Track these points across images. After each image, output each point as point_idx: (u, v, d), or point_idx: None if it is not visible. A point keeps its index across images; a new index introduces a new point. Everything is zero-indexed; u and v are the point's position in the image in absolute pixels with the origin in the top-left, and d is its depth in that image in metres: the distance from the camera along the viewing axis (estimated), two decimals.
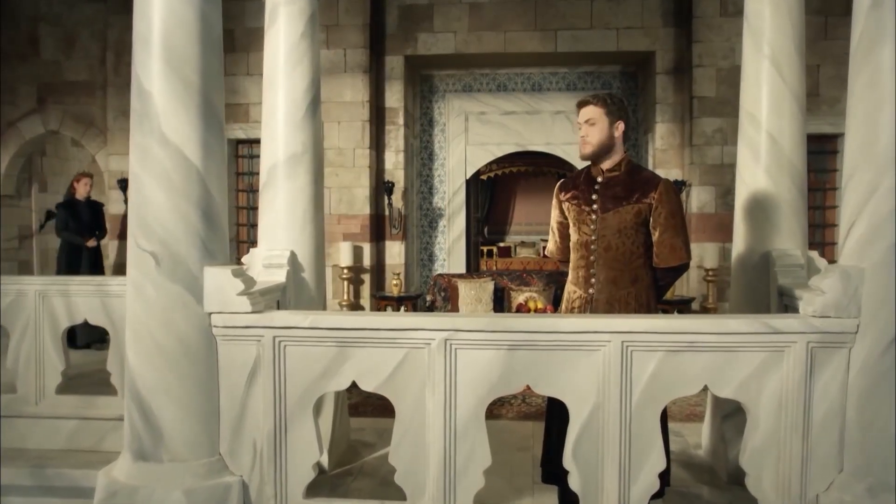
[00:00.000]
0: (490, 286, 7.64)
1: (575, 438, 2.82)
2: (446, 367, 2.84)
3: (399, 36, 8.60)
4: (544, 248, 11.22)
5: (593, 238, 3.19)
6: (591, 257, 3.20)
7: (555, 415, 3.13)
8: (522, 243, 14.89)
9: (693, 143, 8.03)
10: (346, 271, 8.16)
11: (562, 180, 3.44)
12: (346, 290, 8.23)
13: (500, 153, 9.41)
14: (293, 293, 4.23)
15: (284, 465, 2.96)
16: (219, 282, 2.90)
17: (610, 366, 2.78)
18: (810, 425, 2.75)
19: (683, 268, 3.24)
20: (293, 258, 4.23)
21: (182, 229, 2.87)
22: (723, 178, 7.92)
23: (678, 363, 2.78)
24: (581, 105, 3.18)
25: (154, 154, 2.85)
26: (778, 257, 3.91)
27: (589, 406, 2.81)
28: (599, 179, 3.21)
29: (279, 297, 4.13)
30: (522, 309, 6.27)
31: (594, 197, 3.20)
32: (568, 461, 2.83)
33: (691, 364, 2.78)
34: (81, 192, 8.06)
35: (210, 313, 2.92)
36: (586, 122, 3.14)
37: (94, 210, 8.18)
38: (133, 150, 2.91)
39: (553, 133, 9.21)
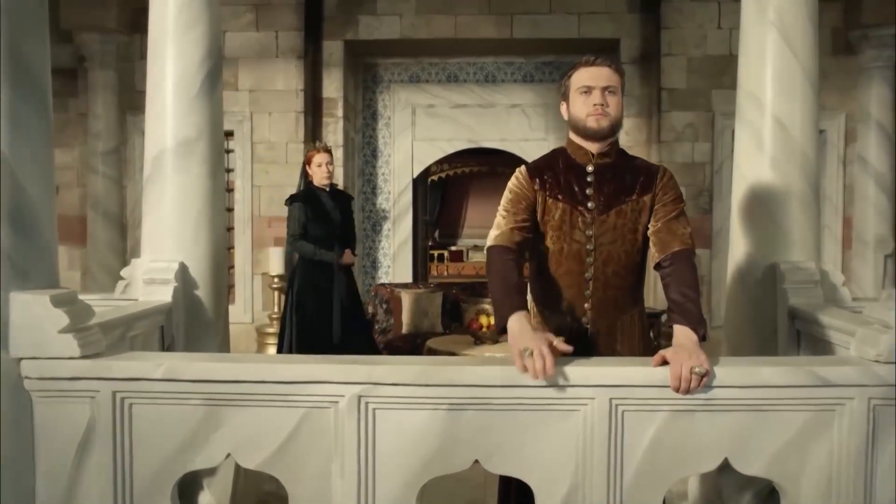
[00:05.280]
0: (438, 298, 6.81)
1: None
2: (361, 436, 1.99)
3: (338, 18, 7.72)
4: None
5: (589, 248, 2.34)
6: (587, 273, 2.34)
7: (513, 495, 2.29)
8: (475, 247, 14.15)
9: (661, 139, 7.33)
10: (276, 280, 7.24)
11: (529, 164, 2.49)
12: (276, 301, 7.31)
13: (450, 150, 8.58)
14: (182, 317, 3.37)
15: None
16: (32, 313, 2.00)
17: (593, 432, 1.96)
18: None
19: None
20: (183, 271, 3.38)
21: None
22: (695, 177, 7.23)
23: (688, 428, 1.97)
24: (595, 64, 2.30)
25: None
26: (788, 271, 3.18)
27: (563, 490, 1.98)
28: (590, 169, 2.38)
29: (162, 323, 3.27)
30: (474, 325, 5.48)
31: (588, 192, 2.36)
32: None
33: (706, 429, 1.98)
34: (322, 175, 5.05)
35: (19, 359, 2.02)
36: (606, 88, 2.28)
37: (343, 206, 5.18)
38: None
39: (508, 128, 8.42)
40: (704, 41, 7.24)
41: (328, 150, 5.13)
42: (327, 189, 5.06)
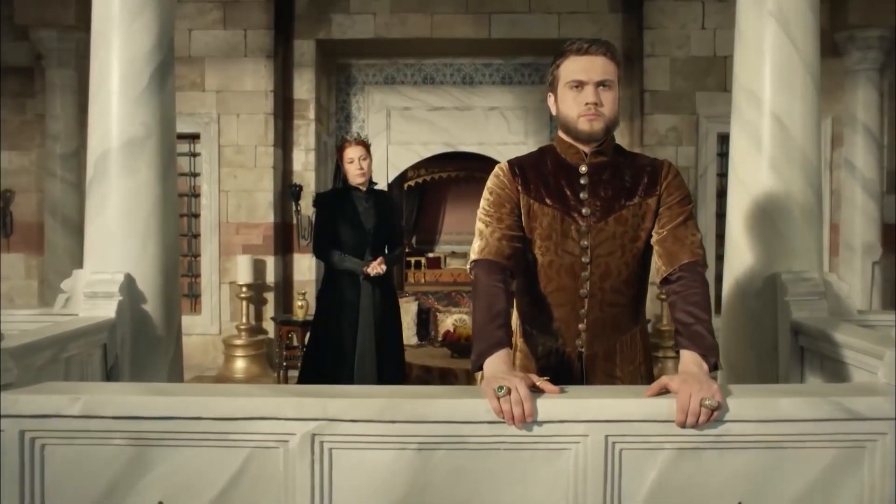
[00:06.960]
0: (413, 308, 6.53)
1: None
2: (315, 481, 1.70)
3: (310, 16, 7.43)
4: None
5: (584, 260, 2.05)
6: (581, 290, 2.05)
7: None
8: (453, 253, 13.83)
9: (644, 142, 7.08)
10: (245, 290, 6.93)
11: (511, 160, 2.18)
12: (245, 312, 6.99)
13: (426, 154, 8.30)
14: (128, 334, 3.07)
15: None
16: None
17: (586, 475, 1.69)
18: None
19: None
20: (129, 284, 3.09)
21: None
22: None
23: (695, 468, 1.70)
24: (588, 53, 1.96)
25: None
26: (790, 282, 2.94)
27: None
28: (583, 169, 2.08)
29: (105, 341, 2.96)
30: (450, 337, 5.20)
31: (583, 196, 2.06)
32: None
33: (716, 469, 1.70)
34: (356, 173, 4.27)
35: None
36: (600, 83, 1.96)
37: (380, 208, 4.41)
38: None
39: (486, 132, 8.13)
40: (688, 42, 7.03)
41: (363, 144, 4.28)
42: (363, 188, 4.30)
